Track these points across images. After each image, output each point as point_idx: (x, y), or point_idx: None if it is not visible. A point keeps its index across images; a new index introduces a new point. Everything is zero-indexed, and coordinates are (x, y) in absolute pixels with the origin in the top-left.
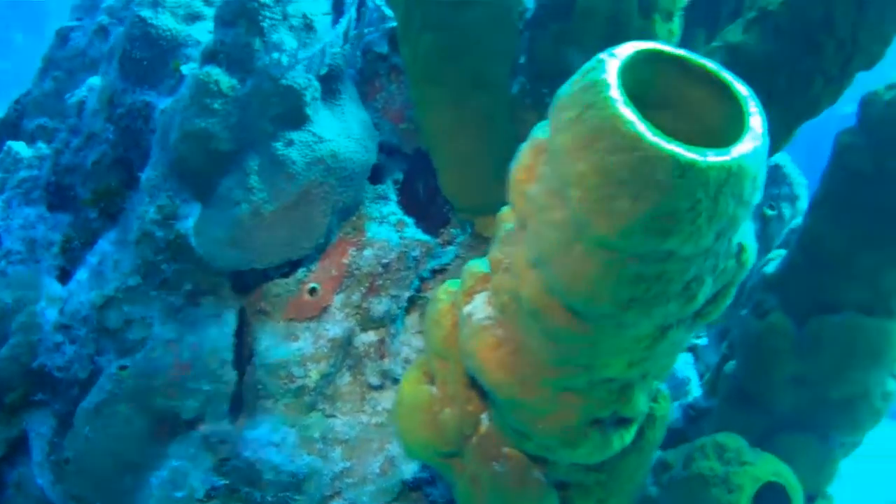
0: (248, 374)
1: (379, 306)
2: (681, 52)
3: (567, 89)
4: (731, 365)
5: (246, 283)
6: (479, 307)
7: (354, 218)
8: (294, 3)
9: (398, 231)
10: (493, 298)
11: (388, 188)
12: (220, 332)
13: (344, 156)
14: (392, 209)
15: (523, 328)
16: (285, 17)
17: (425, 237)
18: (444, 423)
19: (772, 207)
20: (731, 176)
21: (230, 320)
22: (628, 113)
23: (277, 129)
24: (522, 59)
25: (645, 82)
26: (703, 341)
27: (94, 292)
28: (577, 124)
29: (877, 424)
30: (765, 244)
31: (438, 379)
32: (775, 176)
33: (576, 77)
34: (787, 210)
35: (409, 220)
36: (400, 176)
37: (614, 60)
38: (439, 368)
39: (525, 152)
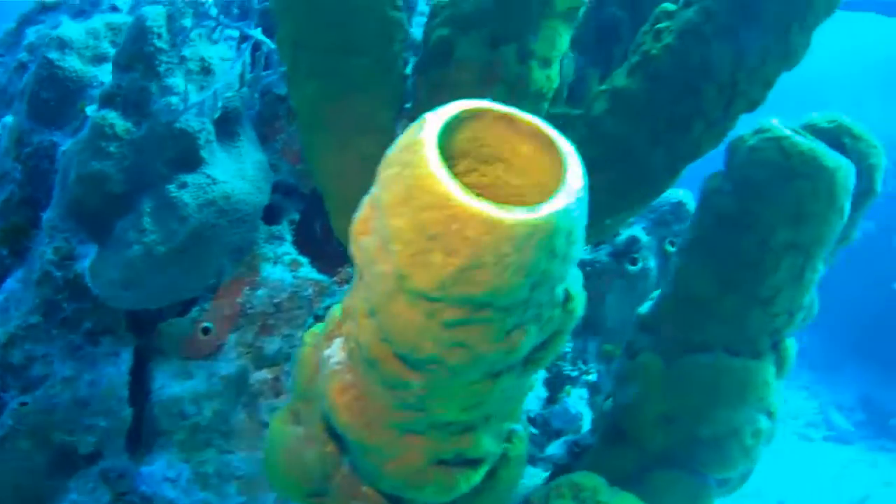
0: (145, 411)
1: (272, 345)
2: (507, 109)
3: (392, 147)
4: (608, 402)
5: (142, 322)
6: (335, 351)
7: (248, 258)
8: (192, 46)
9: (292, 271)
10: (344, 343)
11: (284, 228)
12: (116, 371)
13: (237, 198)
14: (286, 249)
15: (365, 374)
16: (182, 60)
17: (320, 276)
18: (307, 463)
19: (672, 244)
20: (540, 232)
21: (126, 358)
22: (441, 173)
23: (172, 172)
24: (409, 104)
25: (476, 139)
26: (592, 377)
27: (0, 329)
28: (397, 182)
29: (752, 462)
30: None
31: (303, 419)
32: (678, 213)
33: (401, 136)
34: None
35: (304, 260)
36: (296, 216)
37: (436, 121)
38: (303, 409)
39: (364, 205)
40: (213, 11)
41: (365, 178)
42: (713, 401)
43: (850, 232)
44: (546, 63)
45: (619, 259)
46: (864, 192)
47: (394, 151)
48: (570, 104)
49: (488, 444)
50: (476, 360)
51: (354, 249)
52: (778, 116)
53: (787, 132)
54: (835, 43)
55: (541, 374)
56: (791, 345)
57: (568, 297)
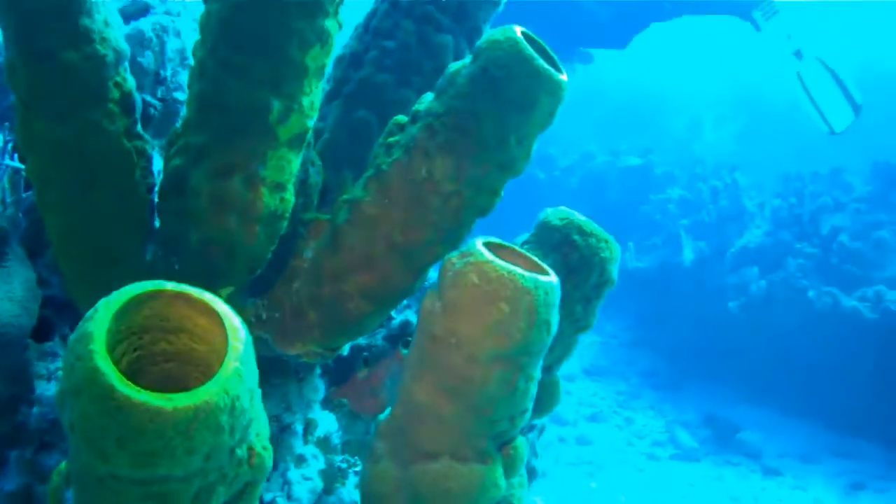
0: None
1: (50, 460)
2: (180, 288)
3: (73, 333)
4: None
5: None
6: None
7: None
8: None
9: None
10: None
11: (56, 344)
12: None
13: (4, 321)
14: (59, 364)
15: None
16: None
17: None
18: None
19: None
20: (200, 414)
21: None
22: (105, 365)
23: None
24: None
25: (158, 315)
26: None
27: None
28: (72, 372)
29: None
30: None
31: None
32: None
33: (81, 323)
34: None
35: None
36: (67, 331)
37: (105, 310)
38: None
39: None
40: None
41: None
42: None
43: (590, 320)
44: (278, 187)
45: (393, 342)
46: (600, 283)
47: (72, 338)
48: (321, 208)
49: None
50: None
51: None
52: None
53: (489, 257)
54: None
55: (316, 466)
56: (520, 443)
57: (252, 454)
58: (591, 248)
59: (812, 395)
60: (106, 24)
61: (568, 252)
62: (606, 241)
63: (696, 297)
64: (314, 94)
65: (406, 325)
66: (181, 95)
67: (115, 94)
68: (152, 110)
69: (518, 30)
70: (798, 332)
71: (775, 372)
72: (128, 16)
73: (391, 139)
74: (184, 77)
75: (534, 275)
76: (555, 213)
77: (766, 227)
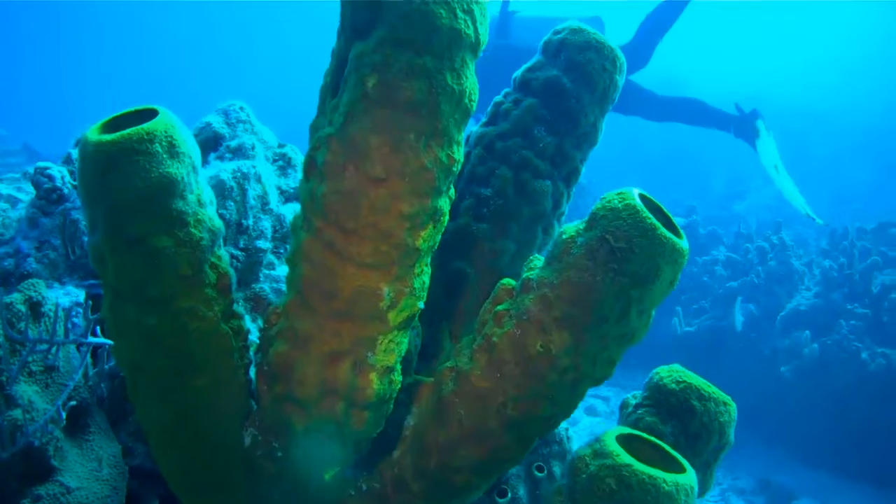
0: None
1: None
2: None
3: None
4: None
5: None
6: None
7: None
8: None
9: None
10: None
11: None
12: None
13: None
14: None
15: None
16: (25, 365)
17: None
18: None
19: (540, 469)
20: None
21: None
22: None
23: (24, 486)
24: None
25: None
26: None
27: None
28: None
29: None
30: None
31: None
32: (547, 437)
33: None
34: (556, 469)
35: None
36: (156, 501)
37: None
38: None
39: None
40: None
41: (220, 488)
42: None
43: (709, 484)
44: (388, 371)
45: (489, 492)
46: (719, 447)
47: None
48: (421, 365)
49: None
50: None
51: None
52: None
53: (626, 459)
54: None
55: None
56: None
57: None
58: (711, 415)
59: (867, 458)
60: (200, 202)
61: (687, 419)
62: (726, 404)
63: (747, 361)
64: (425, 273)
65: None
66: (263, 244)
67: (212, 277)
68: (235, 262)
69: (637, 193)
70: (852, 394)
71: (830, 435)
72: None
73: (500, 307)
74: (266, 223)
75: (674, 478)
76: (669, 375)
77: (817, 288)
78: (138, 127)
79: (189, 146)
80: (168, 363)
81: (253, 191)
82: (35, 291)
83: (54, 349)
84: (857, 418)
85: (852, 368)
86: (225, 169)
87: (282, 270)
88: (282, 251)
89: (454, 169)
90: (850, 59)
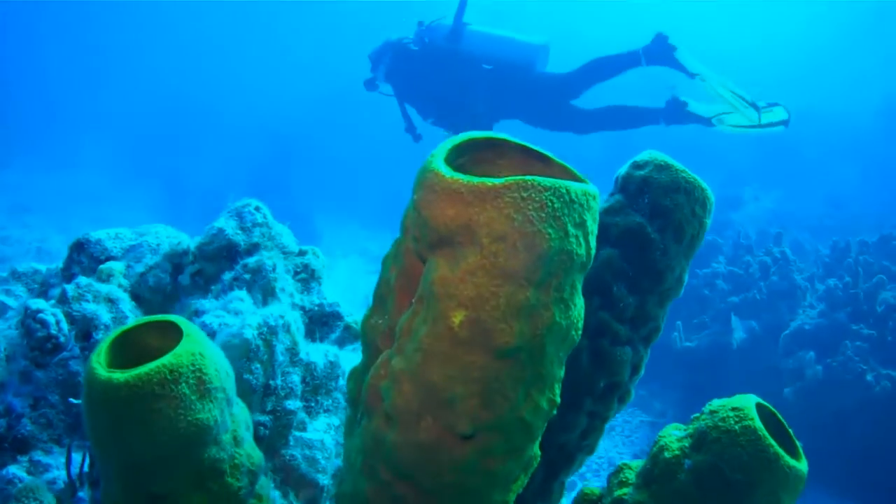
0: None
1: None
2: None
3: None
4: None
5: None
6: None
7: None
8: None
9: None
10: None
11: None
12: None
13: None
14: None
15: None
16: None
17: None
18: None
19: None
20: None
21: None
22: None
23: None
24: None
25: None
26: None
27: None
28: None
29: None
30: None
31: None
32: None
33: None
34: None
35: None
36: None
37: None
38: None
39: None
40: None
41: None
42: None
43: None
44: None
45: None
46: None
47: None
48: None
49: None
50: None
51: None
52: None
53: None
54: None
55: None
56: None
57: None
58: None
59: (869, 481)
60: (236, 441)
61: None
62: None
63: (748, 378)
64: None
65: None
66: (293, 403)
67: None
68: (262, 430)
69: (755, 406)
70: (855, 416)
71: (832, 457)
72: (209, 257)
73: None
74: (295, 377)
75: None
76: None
77: (821, 306)
78: (159, 363)
79: (222, 375)
80: None
81: (281, 345)
82: None
83: None
84: (860, 440)
85: (856, 390)
86: (250, 325)
87: (313, 432)
88: (313, 405)
89: (554, 412)
90: (845, 60)
